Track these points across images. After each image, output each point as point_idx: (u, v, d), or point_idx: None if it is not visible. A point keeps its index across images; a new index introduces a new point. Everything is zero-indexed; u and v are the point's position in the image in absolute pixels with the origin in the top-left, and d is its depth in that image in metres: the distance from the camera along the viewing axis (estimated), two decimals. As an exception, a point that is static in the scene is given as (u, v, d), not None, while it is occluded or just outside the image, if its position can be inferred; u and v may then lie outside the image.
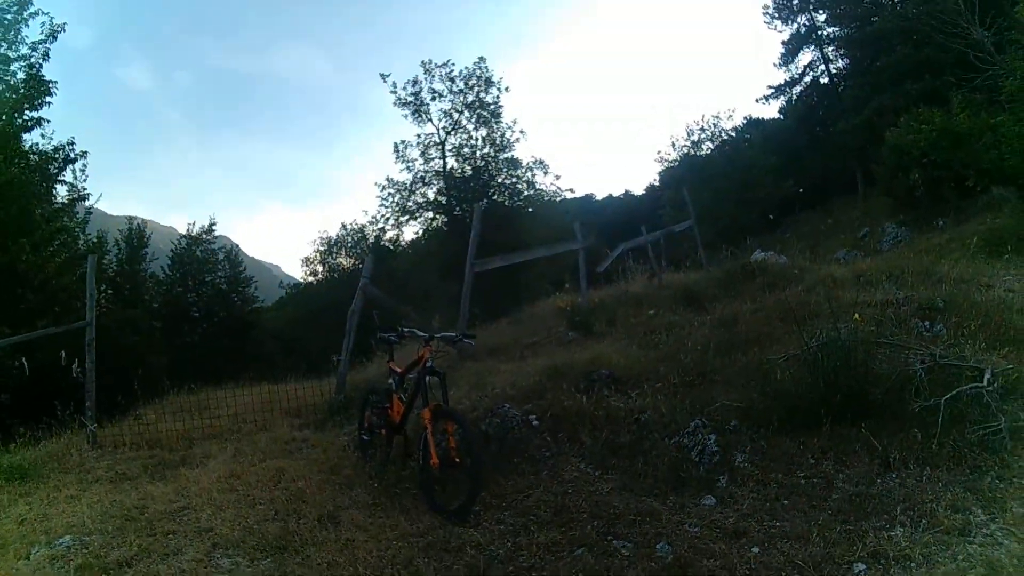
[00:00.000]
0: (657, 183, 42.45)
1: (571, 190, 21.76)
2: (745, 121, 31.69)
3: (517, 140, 20.46)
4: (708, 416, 4.55)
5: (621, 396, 5.31)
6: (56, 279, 11.79)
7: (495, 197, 16.07)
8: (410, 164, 21.03)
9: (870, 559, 2.95)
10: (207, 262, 21.05)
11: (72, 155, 13.88)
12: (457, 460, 4.24)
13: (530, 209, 18.46)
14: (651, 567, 3.21)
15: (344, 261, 24.18)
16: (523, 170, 18.95)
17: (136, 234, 18.92)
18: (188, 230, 21.52)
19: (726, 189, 24.36)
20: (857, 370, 4.24)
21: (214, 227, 21.76)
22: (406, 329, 5.02)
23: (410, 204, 20.43)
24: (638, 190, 45.81)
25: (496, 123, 20.34)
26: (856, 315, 5.04)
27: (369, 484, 4.67)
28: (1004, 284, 6.63)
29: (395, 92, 21.23)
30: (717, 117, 30.39)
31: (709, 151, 29.17)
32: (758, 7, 31.71)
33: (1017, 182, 9.46)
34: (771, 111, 34.46)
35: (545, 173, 20.27)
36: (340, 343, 8.20)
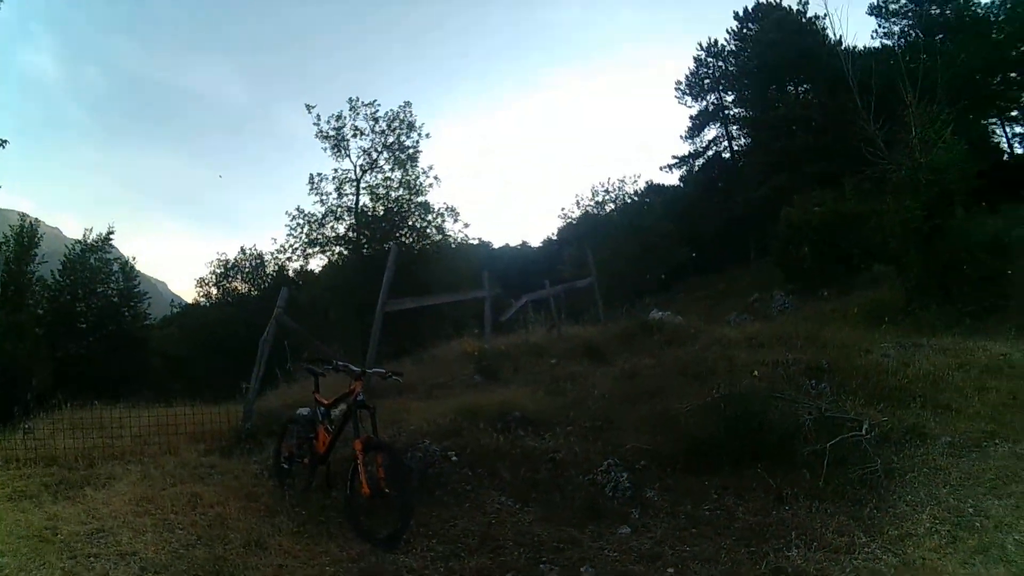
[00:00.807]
0: (555, 237, 44.81)
1: (479, 239, 22.74)
2: (646, 185, 34.18)
3: (431, 185, 21.19)
4: (619, 456, 4.95)
5: (535, 437, 5.62)
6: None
7: (404, 239, 16.30)
8: (324, 197, 21.30)
9: (772, 575, 3.39)
10: (100, 271, 19.82)
11: None
12: (386, 490, 4.38)
13: (435, 253, 18.92)
14: None
15: (240, 286, 23.78)
16: (434, 215, 19.49)
17: (28, 233, 17.48)
18: (84, 236, 20.25)
19: (625, 249, 25.91)
20: (754, 419, 4.81)
21: (112, 236, 20.64)
22: (340, 362, 5.17)
23: (318, 236, 20.43)
24: (535, 242, 47.81)
25: (412, 166, 21.07)
26: (754, 372, 5.70)
27: (292, 512, 4.74)
28: (881, 350, 7.61)
29: (318, 124, 21.60)
30: (622, 181, 32.54)
31: (611, 212, 31.03)
32: (670, 83, 35.48)
33: (897, 262, 10.91)
34: (673, 179, 37.73)
35: (455, 220, 21.05)
36: (232, 368, 8.07)
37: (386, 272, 9.06)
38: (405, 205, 19.32)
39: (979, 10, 25.68)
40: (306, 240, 20.47)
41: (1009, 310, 9.00)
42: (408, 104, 21.47)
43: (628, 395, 6.74)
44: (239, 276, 24.27)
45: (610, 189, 31.01)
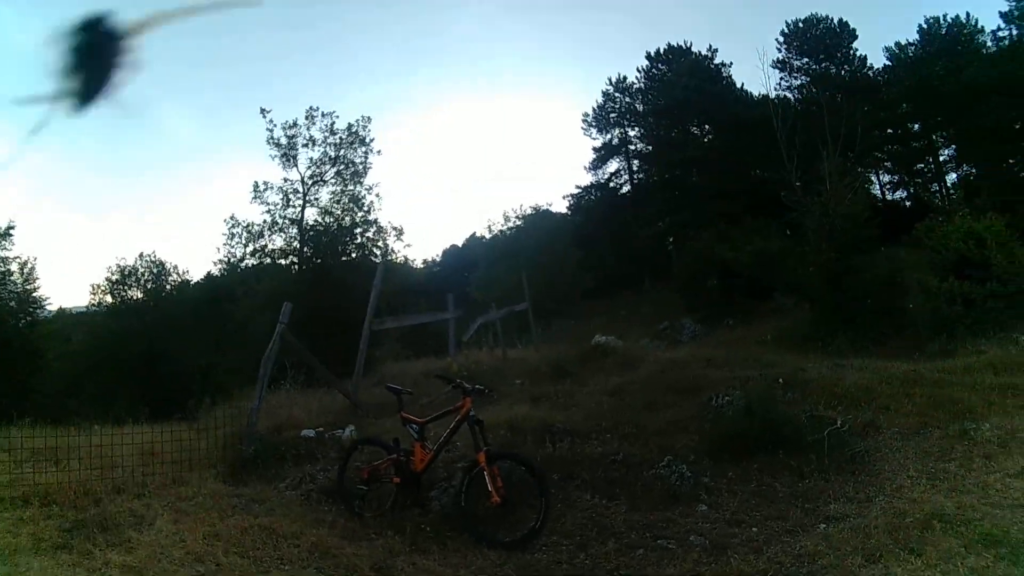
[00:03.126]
0: (438, 259, 47.00)
1: (426, 260, 24.10)
2: (545, 212, 37.12)
3: (372, 204, 22.00)
4: (673, 453, 6.67)
5: (586, 444, 7.07)
6: None
7: (353, 255, 17.00)
8: (271, 208, 21.79)
9: (826, 520, 5.16)
10: (-8, 274, 18.14)
11: None
12: (505, 498, 5.41)
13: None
14: (699, 550, 4.93)
15: (136, 293, 23.27)
16: (384, 233, 20.39)
17: None
18: None
19: (534, 274, 28.21)
20: (774, 417, 6.78)
21: (11, 232, 19.07)
22: (458, 380, 6.13)
23: (259, 248, 20.75)
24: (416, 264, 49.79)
25: (359, 183, 22.12)
26: (779, 379, 7.74)
27: (390, 534, 5.40)
28: (814, 368, 10.02)
29: (271, 130, 22.32)
30: (535, 208, 35.80)
31: (519, 236, 33.56)
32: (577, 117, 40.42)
33: (809, 295, 13.77)
34: (575, 207, 41.89)
35: (398, 238, 22.37)
36: (133, 383, 8.29)
37: (373, 289, 10.03)
38: (354, 221, 20.09)
39: (870, 73, 32.74)
40: (247, 251, 20.72)
41: (904, 337, 11.96)
42: (368, 119, 22.89)
43: (632, 407, 8.41)
44: (136, 284, 23.79)
45: (521, 215, 33.79)
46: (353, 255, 15.50)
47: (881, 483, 5.83)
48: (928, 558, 4.28)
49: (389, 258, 19.60)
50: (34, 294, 20.38)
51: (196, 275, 27.21)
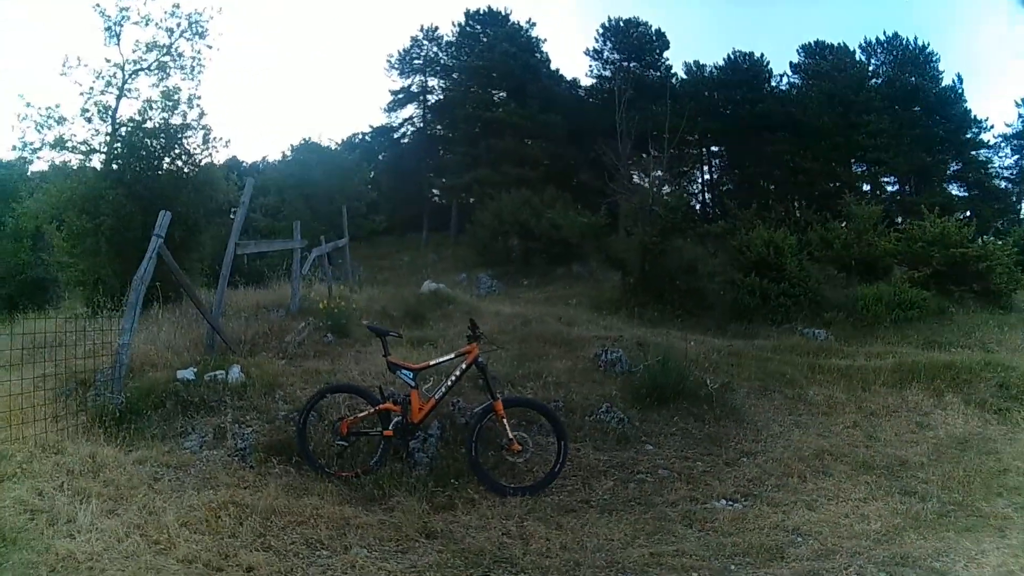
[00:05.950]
0: None
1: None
2: (303, 143, 36.01)
3: (200, 107, 20.21)
4: (607, 401, 7.92)
5: (523, 391, 8.02)
6: None
7: (181, 163, 14.67)
8: (86, 91, 18.48)
9: (746, 455, 6.88)
10: None
11: None
12: (521, 445, 5.86)
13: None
14: (671, 480, 6.21)
15: None
16: (212, 140, 17.93)
17: None
18: None
19: (324, 208, 27.14)
20: (682, 372, 8.45)
21: None
22: (477, 329, 6.30)
23: (60, 136, 16.75)
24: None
25: (195, 79, 20.02)
26: (691, 342, 9.42)
27: (403, 492, 5.50)
28: (647, 335, 12.10)
29: None
30: (329, 139, 35.01)
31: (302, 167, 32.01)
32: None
33: (629, 269, 16.09)
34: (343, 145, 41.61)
35: (226, 145, 20.09)
36: None
37: (240, 209, 9.43)
38: (181, 123, 17.29)
39: (673, 83, 38.09)
40: (43, 140, 16.75)
41: (705, 317, 14.85)
42: (218, 10, 20.45)
43: (527, 356, 9.41)
44: None
45: (311, 147, 31.95)
46: (181, 163, 13.72)
47: (764, 429, 7.76)
48: (838, 477, 6.25)
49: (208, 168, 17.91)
50: None
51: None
